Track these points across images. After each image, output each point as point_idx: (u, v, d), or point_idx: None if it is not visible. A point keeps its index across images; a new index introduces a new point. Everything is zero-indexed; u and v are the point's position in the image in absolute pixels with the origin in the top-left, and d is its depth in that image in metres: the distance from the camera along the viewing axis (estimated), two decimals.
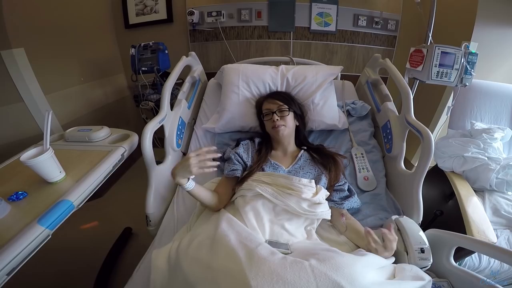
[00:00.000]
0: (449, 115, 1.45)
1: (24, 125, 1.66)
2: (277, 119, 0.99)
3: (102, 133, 1.00)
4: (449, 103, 1.47)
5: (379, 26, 2.09)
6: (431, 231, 0.83)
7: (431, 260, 0.74)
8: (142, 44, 1.77)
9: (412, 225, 0.82)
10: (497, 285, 0.66)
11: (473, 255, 1.00)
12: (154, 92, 1.88)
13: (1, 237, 0.58)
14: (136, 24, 2.25)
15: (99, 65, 2.21)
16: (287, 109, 1.02)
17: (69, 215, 0.68)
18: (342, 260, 0.58)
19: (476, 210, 1.02)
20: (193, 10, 2.02)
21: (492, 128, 1.30)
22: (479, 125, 1.34)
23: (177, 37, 2.20)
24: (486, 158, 1.20)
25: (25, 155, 0.72)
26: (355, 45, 2.14)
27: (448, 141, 1.31)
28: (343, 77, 1.53)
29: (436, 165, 1.33)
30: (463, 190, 1.13)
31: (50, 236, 0.62)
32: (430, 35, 1.42)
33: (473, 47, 1.55)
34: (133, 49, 1.74)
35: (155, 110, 1.81)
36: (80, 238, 1.55)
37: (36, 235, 0.58)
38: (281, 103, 1.03)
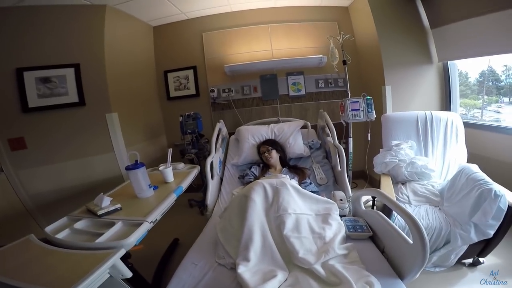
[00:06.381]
0: (369, 139, 2.37)
1: (111, 169, 2.43)
2: (267, 155, 2.00)
3: (181, 165, 1.96)
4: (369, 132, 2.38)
5: (333, 85, 3.05)
6: (352, 193, 1.59)
7: (347, 206, 1.48)
8: (186, 113, 2.61)
9: (339, 192, 1.60)
10: None
11: (399, 217, 1.56)
12: (192, 147, 2.62)
13: (151, 204, 1.29)
14: (174, 97, 3.22)
15: (151, 128, 3.07)
16: (271, 149, 2.03)
17: (181, 193, 1.49)
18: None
19: (386, 186, 1.82)
20: (213, 88, 3.05)
21: (401, 142, 2.10)
22: (393, 142, 2.13)
23: (202, 107, 3.13)
24: (398, 160, 1.98)
25: (160, 168, 1.66)
26: (320, 101, 3.08)
27: (377, 156, 2.15)
28: (313, 126, 2.47)
29: None
30: (384, 180, 1.92)
31: (176, 198, 1.43)
32: (349, 91, 2.41)
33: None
34: (181, 117, 2.60)
35: (195, 160, 2.57)
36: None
37: (171, 200, 1.38)
38: (268, 146, 2.05)
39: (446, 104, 2.67)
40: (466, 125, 2.17)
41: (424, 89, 2.66)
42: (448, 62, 2.59)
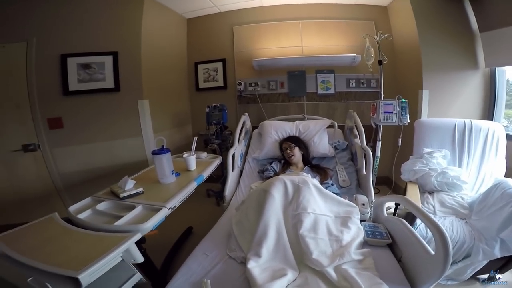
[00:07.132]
0: (400, 144, 2.25)
1: (137, 153, 2.55)
2: (289, 151, 1.96)
3: (204, 155, 2.00)
4: (400, 137, 2.26)
5: (365, 86, 2.94)
6: (376, 198, 1.53)
7: (369, 211, 1.42)
8: (213, 104, 2.68)
9: (362, 196, 1.55)
10: None
11: (421, 227, 1.54)
12: (216, 138, 2.66)
13: (172, 191, 1.33)
14: (203, 88, 3.30)
15: (179, 116, 3.20)
16: (294, 146, 1.99)
17: (201, 182, 1.53)
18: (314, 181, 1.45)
19: (413, 194, 1.75)
20: (241, 81, 3.06)
21: (433, 150, 1.99)
22: (425, 150, 2.02)
23: (228, 100, 3.15)
24: (428, 169, 1.88)
25: (184, 155, 1.70)
26: (349, 102, 2.99)
27: (406, 163, 2.05)
28: (340, 127, 2.42)
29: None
30: (411, 188, 1.85)
31: (196, 186, 1.47)
32: (382, 93, 2.29)
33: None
34: (208, 108, 2.69)
35: (218, 151, 2.59)
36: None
37: (192, 188, 1.42)
38: (291, 143, 2.01)
39: (488, 113, 2.46)
40: (508, 137, 2.00)
41: (465, 95, 2.47)
42: (497, 68, 2.37)
